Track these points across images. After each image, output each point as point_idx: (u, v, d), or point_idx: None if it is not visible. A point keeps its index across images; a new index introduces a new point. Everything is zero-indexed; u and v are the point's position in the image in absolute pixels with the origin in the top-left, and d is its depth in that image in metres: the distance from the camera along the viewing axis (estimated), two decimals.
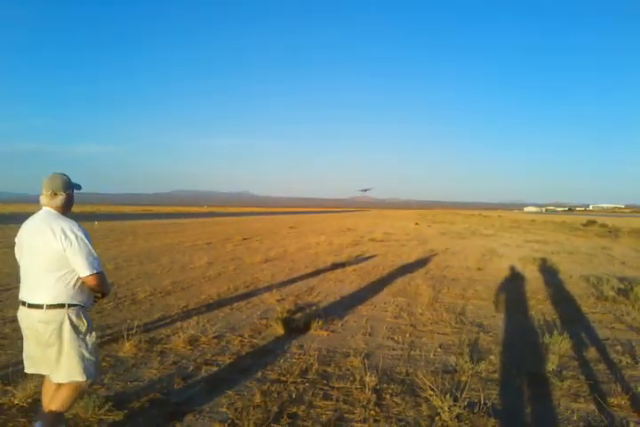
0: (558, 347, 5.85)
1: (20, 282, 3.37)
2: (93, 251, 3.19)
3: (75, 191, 3.44)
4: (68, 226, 3.16)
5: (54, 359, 3.25)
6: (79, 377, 3.28)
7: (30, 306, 3.21)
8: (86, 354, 3.30)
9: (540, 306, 8.52)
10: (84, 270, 3.12)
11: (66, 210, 3.35)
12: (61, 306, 3.18)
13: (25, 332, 3.33)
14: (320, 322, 6.84)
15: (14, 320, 6.83)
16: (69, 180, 3.37)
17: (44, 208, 3.31)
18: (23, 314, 3.28)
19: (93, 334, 3.37)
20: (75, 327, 3.23)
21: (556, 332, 6.26)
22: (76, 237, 3.13)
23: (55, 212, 3.29)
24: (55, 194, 3.28)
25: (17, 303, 7.71)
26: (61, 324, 3.19)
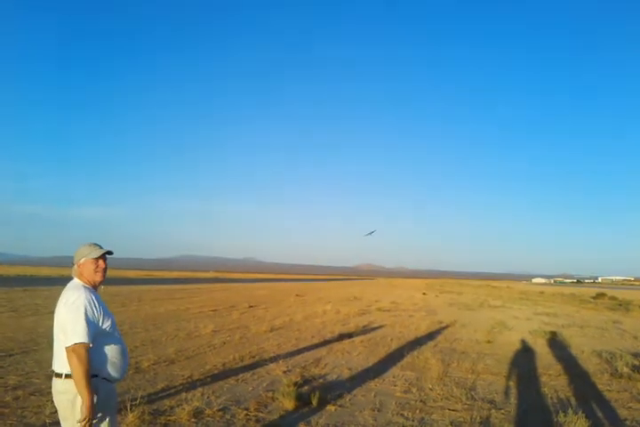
0: None
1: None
2: (83, 321, 3.04)
3: (105, 256, 3.43)
4: (72, 295, 3.15)
5: None
6: None
7: (56, 375, 3.15)
8: None
9: (552, 382, 8.31)
10: (67, 340, 3.01)
11: (86, 278, 3.34)
12: None
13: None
14: (327, 396, 6.70)
15: (16, 388, 6.74)
16: (85, 249, 3.39)
17: (73, 278, 3.38)
18: (52, 383, 3.22)
19: (107, 414, 3.17)
20: None
21: (570, 410, 6.06)
22: (72, 305, 3.09)
23: (77, 281, 3.33)
24: (74, 264, 3.37)
25: (19, 369, 7.63)
26: (75, 395, 3.05)
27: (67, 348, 3.01)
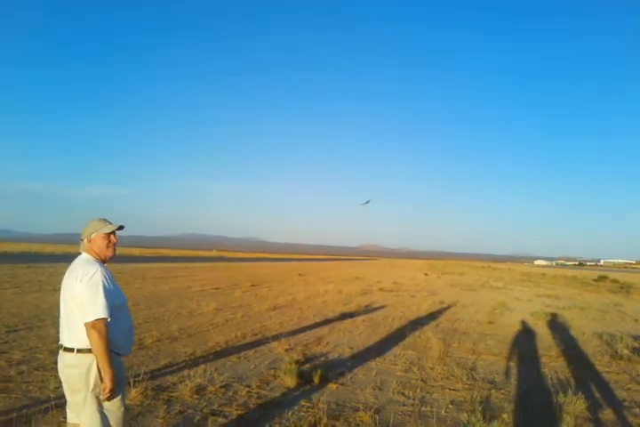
0: (573, 407, 5.69)
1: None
2: (101, 296, 3.08)
3: (115, 232, 3.46)
4: (89, 270, 3.16)
5: (80, 406, 3.18)
6: None
7: (65, 349, 3.19)
8: (106, 405, 3.20)
9: (552, 363, 8.35)
10: (87, 315, 3.03)
11: (98, 254, 3.37)
12: (90, 351, 3.10)
13: (60, 376, 3.29)
14: (329, 374, 6.75)
15: (20, 362, 6.80)
16: (96, 224, 3.41)
17: (81, 253, 3.39)
18: (59, 357, 3.26)
19: (119, 387, 3.23)
20: (100, 374, 3.12)
21: (570, 391, 6.09)
22: (90, 280, 3.11)
23: (88, 256, 3.34)
24: (82, 240, 3.39)
25: (23, 345, 7.70)
26: (89, 369, 3.12)
27: (87, 324, 3.04)
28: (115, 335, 3.19)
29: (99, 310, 3.04)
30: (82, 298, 3.09)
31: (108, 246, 3.40)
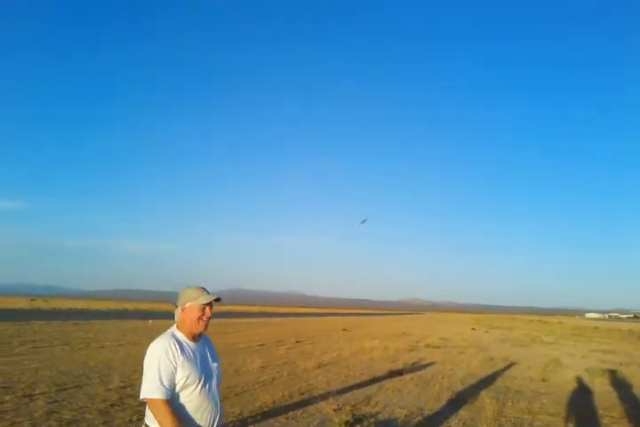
0: None
1: None
2: (154, 375, 2.87)
3: (211, 303, 3.16)
4: (154, 344, 3.00)
5: None
6: None
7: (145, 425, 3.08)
8: None
9: (615, 425, 7.97)
10: (141, 391, 2.89)
11: (183, 324, 3.13)
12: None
13: None
14: None
15: (70, 422, 6.83)
16: (193, 292, 3.16)
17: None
18: None
19: None
20: None
21: None
22: (148, 355, 2.96)
23: (171, 329, 3.16)
24: (177, 306, 3.17)
25: (73, 404, 7.74)
26: None
27: (144, 400, 2.94)
28: (185, 414, 2.95)
29: (147, 389, 2.87)
30: (143, 372, 2.96)
31: (200, 319, 3.09)
